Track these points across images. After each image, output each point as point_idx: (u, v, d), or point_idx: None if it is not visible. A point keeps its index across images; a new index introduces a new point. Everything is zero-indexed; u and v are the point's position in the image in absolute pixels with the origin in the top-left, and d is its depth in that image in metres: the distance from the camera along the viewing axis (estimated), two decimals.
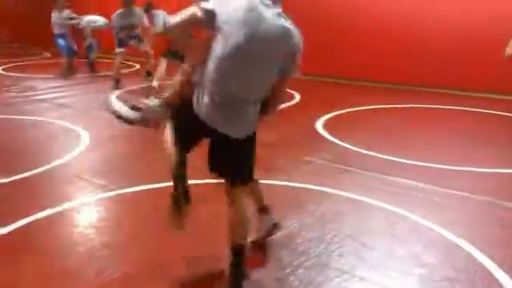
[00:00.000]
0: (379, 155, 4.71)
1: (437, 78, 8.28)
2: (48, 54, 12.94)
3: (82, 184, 3.97)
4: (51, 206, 3.46)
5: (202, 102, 2.30)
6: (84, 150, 4.85)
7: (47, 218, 3.32)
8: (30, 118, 6.16)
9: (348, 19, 9.07)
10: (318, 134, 5.56)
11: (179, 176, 2.62)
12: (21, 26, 11.08)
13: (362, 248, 2.93)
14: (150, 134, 5.18)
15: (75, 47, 9.45)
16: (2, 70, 10.05)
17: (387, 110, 7.01)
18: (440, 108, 7.13)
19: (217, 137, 2.37)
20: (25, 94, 7.80)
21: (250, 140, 2.45)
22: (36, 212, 3.34)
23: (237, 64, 2.20)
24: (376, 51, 8.77)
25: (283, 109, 6.88)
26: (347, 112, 6.72)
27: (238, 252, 2.45)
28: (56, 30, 9.14)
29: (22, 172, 4.12)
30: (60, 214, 3.40)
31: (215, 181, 2.65)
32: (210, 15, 2.20)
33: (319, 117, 6.23)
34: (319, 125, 5.89)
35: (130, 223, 3.33)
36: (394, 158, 4.62)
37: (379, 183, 4.00)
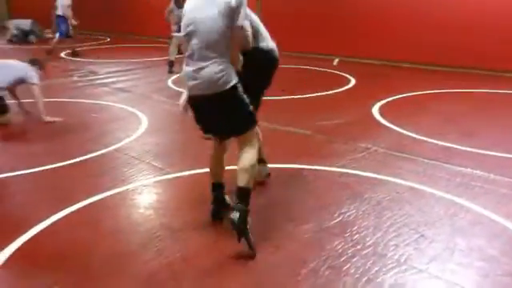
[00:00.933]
0: (441, 142, 4.54)
1: (502, 61, 7.82)
2: (107, 39, 13.42)
3: (141, 166, 4.11)
4: (113, 187, 3.62)
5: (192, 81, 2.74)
6: (143, 133, 5.00)
7: (110, 198, 3.47)
8: (91, 101, 6.43)
9: (409, 2, 8.72)
10: (374, 119, 5.42)
11: None
12: (84, 13, 11.55)
13: (420, 239, 2.85)
14: None
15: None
16: (66, 55, 10.51)
17: (449, 95, 6.72)
18: (507, 93, 6.75)
19: (211, 103, 2.76)
20: (87, 78, 8.13)
21: (235, 90, 2.75)
22: (99, 192, 3.51)
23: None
24: (435, 32, 8.39)
25: (338, 93, 6.81)
26: (405, 97, 6.50)
27: (245, 194, 2.75)
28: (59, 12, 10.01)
29: (84, 154, 4.32)
30: (121, 194, 3.54)
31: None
32: None
33: (376, 102, 6.07)
34: (376, 110, 5.75)
35: (189, 206, 3.41)
36: (457, 146, 4.43)
37: (440, 172, 3.86)
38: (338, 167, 3.95)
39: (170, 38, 8.41)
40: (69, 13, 10.05)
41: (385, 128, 5.09)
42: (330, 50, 9.84)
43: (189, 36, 2.74)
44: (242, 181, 2.76)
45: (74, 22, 10.23)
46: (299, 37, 10.23)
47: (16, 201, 3.47)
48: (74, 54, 10.39)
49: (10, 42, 12.67)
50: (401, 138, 4.74)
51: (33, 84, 5.17)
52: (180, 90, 7.03)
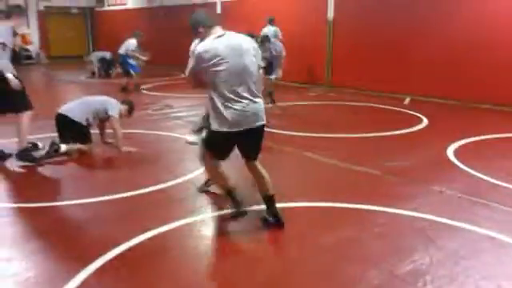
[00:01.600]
0: None
1: None
2: (182, 75, 14.06)
3: (210, 198, 4.19)
4: (182, 218, 3.71)
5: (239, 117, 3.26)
6: None
7: (178, 228, 3.55)
8: (165, 133, 6.71)
9: (477, 36, 8.40)
10: (449, 161, 5.19)
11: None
12: (160, 50, 12.25)
13: None
14: (272, 153, 5.30)
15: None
16: (143, 89, 11.12)
17: None
18: None
19: (254, 133, 3.40)
20: (161, 111, 8.53)
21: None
22: (169, 222, 3.60)
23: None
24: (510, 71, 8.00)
25: (410, 133, 6.61)
26: (482, 139, 6.18)
27: (272, 198, 3.55)
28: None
29: (157, 183, 4.48)
30: (189, 225, 3.61)
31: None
32: None
33: (450, 143, 5.82)
34: (450, 152, 5.50)
35: (254, 239, 3.41)
36: None
37: None
38: (410, 210, 3.80)
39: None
40: (134, 53, 10.63)
41: (460, 171, 4.85)
42: (400, 89, 9.65)
43: (235, 76, 3.23)
44: (271, 188, 3.55)
45: (144, 57, 10.80)
46: (369, 75, 10.17)
47: (91, 227, 3.65)
48: (123, 89, 10.60)
49: (93, 74, 13.59)
50: (477, 183, 4.49)
51: (112, 116, 5.50)
52: None
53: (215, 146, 3.49)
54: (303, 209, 3.93)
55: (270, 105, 8.30)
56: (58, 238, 3.38)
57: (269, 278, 2.87)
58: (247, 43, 3.35)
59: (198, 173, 4.85)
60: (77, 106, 5.48)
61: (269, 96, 8.55)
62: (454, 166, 5.02)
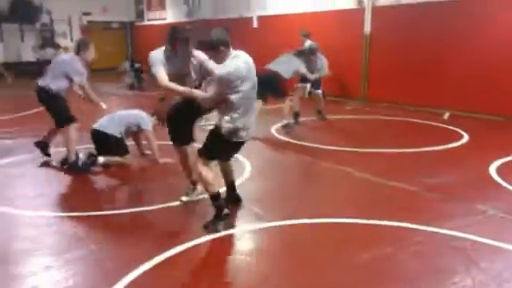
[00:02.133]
0: None
1: None
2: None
3: (243, 212, 4.19)
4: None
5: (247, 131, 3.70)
6: (246, 179, 5.12)
7: (212, 241, 3.56)
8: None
9: None
10: (491, 179, 5.00)
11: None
12: None
13: None
14: (309, 167, 5.24)
15: None
16: None
17: None
18: None
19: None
20: (198, 124, 8.60)
21: None
22: (203, 235, 3.61)
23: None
24: None
25: (450, 149, 6.43)
26: None
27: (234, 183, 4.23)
28: None
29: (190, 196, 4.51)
30: (223, 239, 3.62)
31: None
32: None
33: (492, 160, 5.60)
34: (492, 169, 5.30)
35: (287, 256, 3.38)
36: None
37: None
38: (450, 229, 3.67)
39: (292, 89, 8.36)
40: None
41: (503, 189, 4.66)
42: (439, 103, 9.41)
43: (251, 93, 3.59)
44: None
45: None
46: (406, 89, 9.99)
47: (128, 237, 3.71)
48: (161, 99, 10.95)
49: (131, 87, 13.87)
50: None
51: (146, 130, 5.60)
52: (282, 138, 7.19)
53: (223, 152, 3.88)
54: (338, 225, 3.86)
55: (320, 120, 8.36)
56: (97, 247, 3.45)
57: None
58: (252, 63, 3.65)
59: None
60: (110, 121, 5.61)
61: (319, 113, 8.51)
62: (497, 184, 4.83)
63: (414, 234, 3.61)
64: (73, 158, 5.40)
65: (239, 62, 3.49)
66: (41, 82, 5.34)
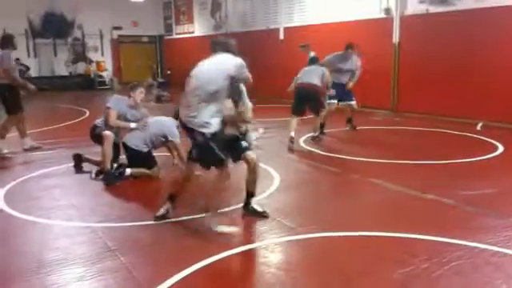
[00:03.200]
0: None
1: None
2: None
3: (273, 224, 4.13)
4: (245, 243, 3.68)
5: None
6: (275, 190, 5.07)
7: (242, 254, 3.52)
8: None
9: None
10: None
11: None
12: None
13: None
14: (339, 179, 5.17)
15: None
16: None
17: None
18: None
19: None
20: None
21: None
22: (232, 247, 3.58)
23: None
24: None
25: (484, 160, 6.22)
26: None
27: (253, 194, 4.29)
28: None
29: (222, 207, 4.48)
30: (253, 251, 3.58)
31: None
32: None
33: None
34: None
35: (317, 270, 3.31)
36: None
37: None
38: (490, 245, 3.52)
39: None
40: None
41: None
42: (472, 114, 9.18)
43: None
44: None
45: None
46: (437, 99, 9.79)
47: (160, 248, 3.70)
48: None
49: (158, 100, 14.03)
50: None
51: (174, 140, 5.64)
52: (311, 149, 7.12)
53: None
54: (371, 238, 3.76)
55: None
56: (128, 258, 3.45)
57: None
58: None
59: (260, 197, 4.82)
60: (135, 133, 5.62)
61: (349, 121, 8.49)
62: None
63: (452, 249, 3.47)
64: (107, 167, 5.51)
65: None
66: None
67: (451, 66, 9.50)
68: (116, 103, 5.74)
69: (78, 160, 6.01)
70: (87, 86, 18.83)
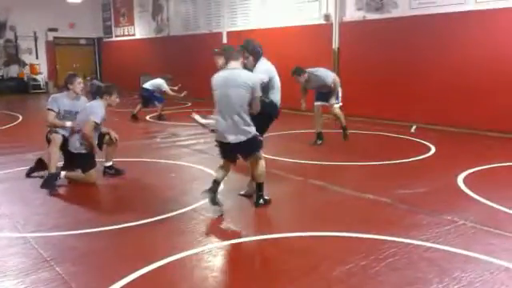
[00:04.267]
0: None
1: None
2: (189, 104, 14.14)
3: (216, 228, 4.13)
4: (190, 248, 3.63)
5: None
6: (220, 194, 5.04)
7: (186, 259, 3.48)
8: (172, 162, 6.68)
9: (485, 67, 8.42)
10: (460, 190, 5.10)
11: None
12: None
13: None
14: (282, 182, 5.20)
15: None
16: (150, 118, 11.17)
17: None
18: None
19: None
20: (169, 139, 8.53)
21: None
22: (176, 252, 3.53)
23: None
24: None
25: (418, 161, 6.55)
26: (494, 167, 6.08)
27: (261, 185, 4.59)
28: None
29: (164, 212, 4.43)
30: (197, 256, 3.54)
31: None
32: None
33: (460, 172, 5.73)
34: (460, 180, 5.42)
35: (263, 272, 3.33)
36: None
37: None
38: (423, 241, 3.70)
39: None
40: (172, 91, 11.09)
41: (473, 200, 4.76)
42: (406, 117, 9.63)
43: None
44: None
45: (181, 94, 11.11)
46: (376, 103, 10.17)
47: (99, 257, 3.58)
48: (160, 117, 11.08)
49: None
50: (491, 212, 4.39)
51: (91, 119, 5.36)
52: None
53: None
54: (313, 238, 3.84)
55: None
56: (63, 268, 3.31)
57: None
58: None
59: (203, 202, 4.79)
60: (74, 137, 5.43)
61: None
62: (465, 195, 4.93)
63: (388, 246, 3.62)
64: (51, 172, 5.31)
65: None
66: None
67: (388, 70, 9.91)
68: (54, 102, 5.53)
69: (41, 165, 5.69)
70: (21, 89, 17.89)
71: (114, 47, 19.74)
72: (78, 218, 4.46)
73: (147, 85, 11.09)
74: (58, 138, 5.39)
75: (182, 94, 11.12)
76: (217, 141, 4.49)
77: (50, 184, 5.19)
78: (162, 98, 11.11)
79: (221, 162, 4.61)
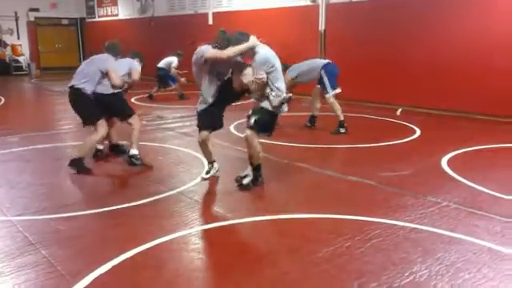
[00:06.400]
0: None
1: None
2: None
3: (204, 210, 4.14)
4: (176, 230, 3.64)
5: None
6: (203, 177, 5.05)
7: (173, 241, 3.48)
8: (157, 144, 6.64)
9: (473, 52, 8.47)
10: (444, 172, 5.18)
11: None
12: (151, 60, 12.17)
13: None
14: (267, 164, 5.20)
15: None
16: (135, 100, 11.05)
17: None
18: None
19: None
20: (154, 122, 8.46)
21: None
22: (163, 234, 3.53)
23: None
24: (506, 83, 8.04)
25: (403, 143, 6.61)
26: (477, 150, 6.18)
27: (259, 166, 4.66)
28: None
29: (151, 195, 4.42)
30: (184, 238, 3.55)
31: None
32: None
33: (445, 154, 5.81)
34: (445, 163, 5.50)
35: (249, 254, 3.36)
36: None
37: None
38: (407, 222, 3.76)
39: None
40: (176, 70, 11.01)
41: (456, 182, 4.84)
42: (392, 100, 9.68)
43: None
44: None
45: (182, 79, 11.00)
46: (362, 86, 10.19)
47: (85, 240, 3.57)
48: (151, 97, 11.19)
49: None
50: (474, 194, 4.47)
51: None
52: (241, 135, 7.14)
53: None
54: (298, 220, 3.88)
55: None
56: (49, 251, 3.29)
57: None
58: None
59: (191, 184, 4.80)
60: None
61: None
62: (449, 177, 5.00)
63: (373, 227, 3.67)
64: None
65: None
66: None
67: (374, 53, 9.91)
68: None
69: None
70: (2, 71, 17.52)
71: (97, 28, 19.37)
72: (63, 201, 4.43)
73: (161, 63, 11.07)
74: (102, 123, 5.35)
75: (183, 79, 10.97)
76: (271, 113, 4.51)
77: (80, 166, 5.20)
78: (174, 79, 11.09)
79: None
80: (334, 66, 7.61)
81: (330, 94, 7.36)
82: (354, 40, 10.25)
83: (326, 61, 7.78)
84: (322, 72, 7.39)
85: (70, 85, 5.32)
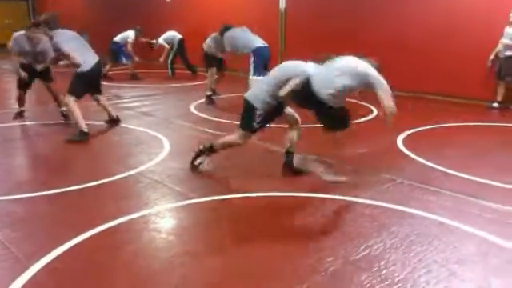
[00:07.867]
0: (470, 177, 4.41)
1: None
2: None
3: (164, 190, 4.10)
4: (136, 211, 3.60)
5: None
6: (165, 157, 5.01)
7: (133, 221, 3.45)
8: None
9: (436, 33, 8.68)
10: (399, 151, 5.34)
11: None
12: (101, 38, 11.78)
13: (451, 277, 2.75)
14: (244, 146, 5.20)
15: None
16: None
17: (478, 129, 6.58)
18: None
19: None
20: (111, 101, 8.23)
21: None
22: (122, 215, 3.49)
23: None
24: (462, 65, 8.32)
25: (361, 123, 6.75)
26: (431, 129, 6.41)
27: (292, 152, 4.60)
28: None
29: (108, 176, 4.34)
30: (144, 218, 3.52)
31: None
32: None
33: (400, 133, 5.99)
34: (400, 141, 5.67)
35: (212, 232, 3.37)
36: (487, 181, 4.29)
37: (470, 207, 3.74)
38: (364, 198, 3.88)
39: None
40: (129, 47, 10.66)
41: (410, 160, 5.01)
42: None
43: None
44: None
45: (136, 58, 10.72)
46: None
47: (40, 221, 3.47)
48: (133, 76, 10.84)
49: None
50: (427, 171, 4.64)
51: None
52: (201, 115, 7.10)
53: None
54: (258, 199, 3.92)
55: None
56: (3, 233, 3.20)
57: (223, 272, 2.84)
58: None
59: (150, 164, 4.74)
60: None
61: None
62: (404, 155, 5.17)
63: (330, 204, 3.77)
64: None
65: None
66: None
67: (336, 27, 9.89)
68: None
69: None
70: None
71: (51, 2, 18.53)
72: (17, 182, 4.29)
73: (117, 38, 10.68)
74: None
75: (136, 59, 10.68)
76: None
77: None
78: (129, 55, 10.70)
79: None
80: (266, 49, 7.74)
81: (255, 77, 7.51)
82: (314, 17, 10.22)
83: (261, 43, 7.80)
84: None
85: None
